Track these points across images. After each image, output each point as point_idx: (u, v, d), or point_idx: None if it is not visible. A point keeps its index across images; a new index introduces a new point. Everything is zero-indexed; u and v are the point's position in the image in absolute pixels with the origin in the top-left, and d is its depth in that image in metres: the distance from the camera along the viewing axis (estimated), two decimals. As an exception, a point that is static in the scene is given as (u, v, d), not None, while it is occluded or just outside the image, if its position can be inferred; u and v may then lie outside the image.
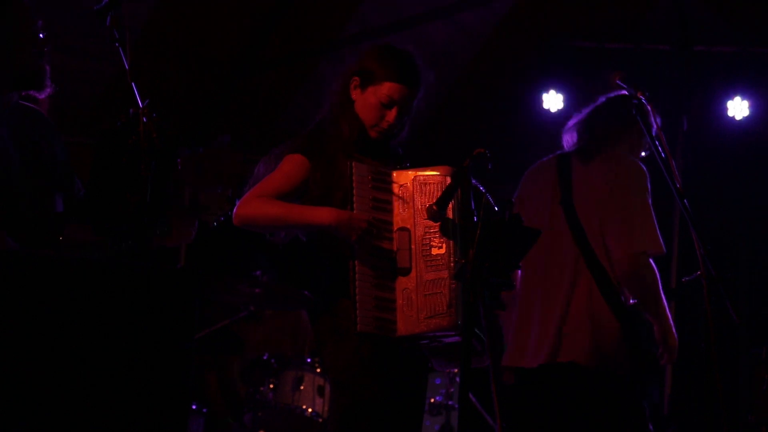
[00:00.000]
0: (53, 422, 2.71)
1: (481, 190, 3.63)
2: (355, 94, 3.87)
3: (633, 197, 4.60)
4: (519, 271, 4.68)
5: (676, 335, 4.58)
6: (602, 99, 4.91)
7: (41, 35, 3.65)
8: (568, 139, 4.89)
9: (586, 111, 4.87)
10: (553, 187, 4.75)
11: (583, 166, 4.70)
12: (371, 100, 3.83)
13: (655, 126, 4.38)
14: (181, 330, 2.89)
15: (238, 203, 3.73)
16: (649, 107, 4.30)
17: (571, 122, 4.86)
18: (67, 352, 2.76)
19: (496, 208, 3.63)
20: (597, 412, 4.58)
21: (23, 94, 3.74)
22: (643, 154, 4.79)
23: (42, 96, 3.74)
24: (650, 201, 4.62)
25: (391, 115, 3.82)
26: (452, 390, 6.14)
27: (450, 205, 3.61)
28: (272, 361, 5.77)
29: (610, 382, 4.54)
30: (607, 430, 4.58)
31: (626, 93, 4.63)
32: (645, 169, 4.67)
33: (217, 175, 4.08)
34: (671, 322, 4.59)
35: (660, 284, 4.51)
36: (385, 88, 3.82)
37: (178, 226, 3.61)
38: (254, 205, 3.76)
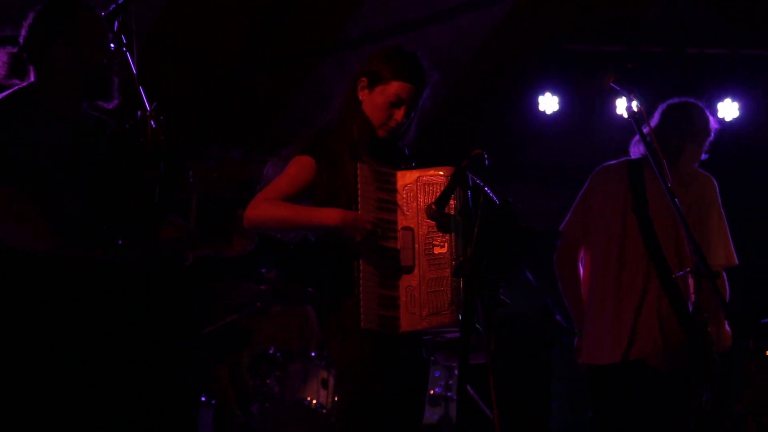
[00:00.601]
0: (57, 418, 2.71)
1: (480, 185, 3.65)
2: (363, 95, 3.87)
3: (712, 212, 4.75)
4: (590, 275, 4.92)
5: (731, 340, 4.72)
6: (664, 107, 5.01)
7: (112, 46, 3.67)
8: (635, 151, 4.94)
9: (653, 122, 4.92)
10: (624, 193, 4.84)
11: (655, 177, 4.70)
12: (379, 100, 3.84)
13: (647, 128, 4.46)
14: (181, 327, 2.90)
15: (247, 206, 3.73)
16: (642, 108, 4.36)
17: (637, 137, 4.87)
18: (70, 350, 2.76)
19: (498, 202, 3.66)
20: (663, 409, 4.72)
21: (91, 103, 3.76)
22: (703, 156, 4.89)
23: (110, 106, 3.76)
24: (723, 212, 4.81)
25: (399, 113, 3.84)
26: (451, 382, 6.16)
27: (451, 204, 3.63)
28: (278, 354, 5.79)
29: (676, 381, 4.68)
30: (672, 426, 4.71)
31: (685, 101, 4.80)
32: (715, 181, 4.82)
33: (227, 186, 4.11)
34: (728, 327, 4.69)
35: (723, 300, 4.49)
36: (393, 87, 3.83)
37: (238, 238, 3.64)
38: (262, 208, 3.76)
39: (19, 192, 3.47)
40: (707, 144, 4.94)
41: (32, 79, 3.69)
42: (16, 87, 3.68)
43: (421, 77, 3.87)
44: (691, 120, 4.92)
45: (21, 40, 3.70)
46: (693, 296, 4.50)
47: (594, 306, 4.85)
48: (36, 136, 3.56)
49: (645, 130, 4.40)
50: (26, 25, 3.70)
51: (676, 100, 5.03)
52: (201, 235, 3.79)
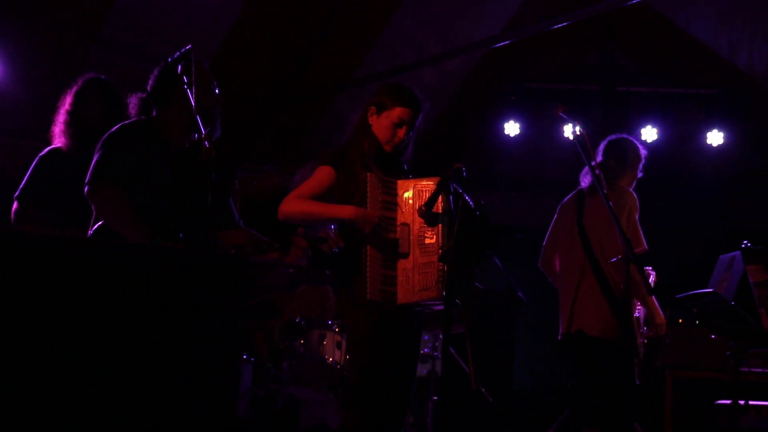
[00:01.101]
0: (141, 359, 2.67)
1: (460, 191, 3.66)
2: (372, 120, 3.86)
3: (622, 216, 4.71)
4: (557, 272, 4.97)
5: (662, 316, 4.68)
6: (605, 143, 5.00)
7: (216, 91, 3.73)
8: (585, 181, 4.97)
9: (598, 156, 4.93)
10: (574, 213, 4.90)
11: (591, 198, 4.83)
12: (385, 122, 3.83)
13: (591, 154, 4.50)
14: (231, 301, 2.88)
15: (282, 202, 3.73)
16: (583, 132, 4.37)
17: (586, 168, 4.88)
18: (161, 311, 2.71)
19: (473, 205, 3.67)
20: (599, 367, 4.73)
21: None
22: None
23: (214, 138, 3.75)
24: (636, 215, 4.76)
25: (402, 132, 3.83)
26: (437, 344, 6.15)
27: (438, 206, 3.64)
28: (303, 323, 5.77)
29: (607, 346, 4.69)
30: (607, 382, 4.71)
31: (622, 138, 4.82)
32: (633, 192, 4.82)
33: (264, 191, 4.12)
34: (657, 306, 4.69)
35: (645, 279, 4.54)
36: (396, 112, 3.82)
37: (296, 250, 3.66)
38: (294, 204, 3.76)
39: (123, 192, 3.53)
40: (641, 168, 4.96)
41: (153, 113, 3.74)
42: (143, 118, 3.74)
43: (417, 104, 3.87)
44: (627, 152, 4.93)
45: (148, 88, 3.76)
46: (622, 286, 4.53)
47: (560, 293, 4.91)
48: (148, 158, 3.61)
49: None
50: (152, 77, 3.75)
51: (614, 136, 5.03)
52: (264, 247, 3.80)
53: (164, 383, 2.71)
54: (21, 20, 5.91)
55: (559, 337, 4.87)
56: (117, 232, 3.49)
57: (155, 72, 3.75)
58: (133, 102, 3.82)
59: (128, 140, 3.60)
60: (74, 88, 4.38)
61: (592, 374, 4.79)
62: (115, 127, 3.67)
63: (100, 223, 3.58)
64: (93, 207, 3.61)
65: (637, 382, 4.74)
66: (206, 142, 3.65)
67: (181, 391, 2.75)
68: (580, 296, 4.76)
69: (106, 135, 3.64)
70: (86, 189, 3.56)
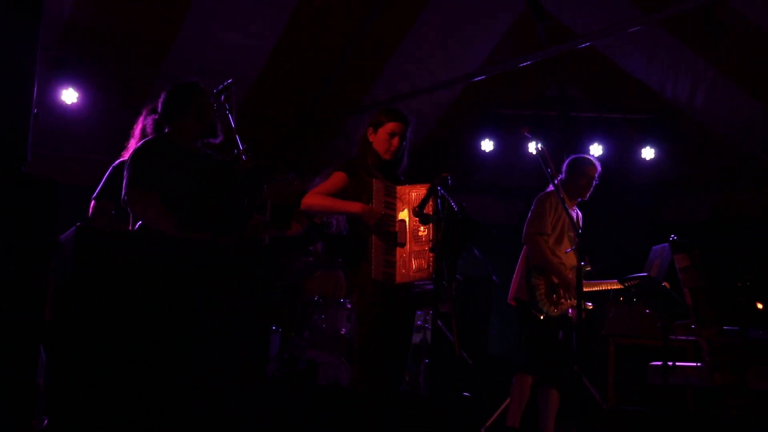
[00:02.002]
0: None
1: (446, 196, 3.65)
2: (372, 137, 3.86)
3: (532, 211, 4.74)
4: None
5: (571, 282, 4.64)
6: (568, 161, 4.94)
7: (215, 105, 3.69)
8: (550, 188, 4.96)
9: (562, 173, 4.89)
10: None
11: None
12: (382, 136, 3.83)
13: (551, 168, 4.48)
14: (264, 284, 2.88)
15: (304, 197, 3.73)
16: (544, 148, 4.35)
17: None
18: (208, 296, 2.71)
19: (456, 207, 3.66)
20: (526, 327, 4.72)
21: (204, 141, 3.74)
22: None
23: (217, 141, 3.75)
24: (544, 209, 4.72)
25: (395, 141, 3.83)
26: (428, 317, 6.13)
27: (429, 207, 3.63)
28: (320, 301, 5.76)
29: (519, 306, 4.73)
30: (522, 336, 4.73)
31: (582, 157, 4.77)
32: (544, 196, 4.78)
33: (287, 196, 4.10)
34: (564, 275, 4.64)
35: (545, 253, 4.60)
36: (389, 126, 3.83)
37: (295, 224, 3.65)
38: (314, 198, 3.76)
39: (156, 195, 3.50)
40: (596, 180, 4.90)
41: (166, 129, 3.71)
42: (161, 134, 3.70)
43: (404, 118, 3.87)
44: (584, 169, 4.89)
45: (159, 109, 3.73)
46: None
47: None
48: (169, 163, 3.58)
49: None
50: (161, 101, 3.72)
51: (573, 156, 5.00)
52: (271, 224, 3.79)
53: (243, 338, 2.74)
54: (95, 56, 5.92)
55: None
56: (156, 228, 3.44)
57: (162, 96, 3.72)
58: (149, 122, 3.78)
59: (152, 152, 3.57)
60: (147, 113, 4.36)
61: (520, 331, 4.82)
62: (139, 144, 3.64)
63: (140, 223, 3.55)
64: (132, 211, 3.56)
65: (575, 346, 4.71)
66: (243, 156, 3.65)
67: (251, 344, 2.77)
68: (518, 274, 4.83)
69: (133, 151, 3.60)
70: (124, 197, 3.52)
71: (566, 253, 4.70)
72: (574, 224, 4.26)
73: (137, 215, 3.54)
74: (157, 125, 3.74)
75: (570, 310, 4.66)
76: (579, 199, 4.87)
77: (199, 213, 3.57)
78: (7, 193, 2.40)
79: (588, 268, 4.19)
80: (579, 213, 4.90)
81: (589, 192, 4.87)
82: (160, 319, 2.66)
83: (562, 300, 4.63)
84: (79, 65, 5.85)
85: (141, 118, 4.21)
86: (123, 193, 3.52)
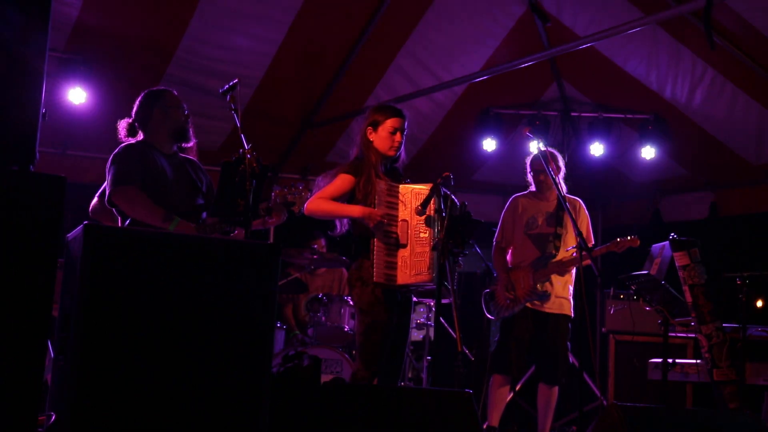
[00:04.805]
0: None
1: (449, 194, 3.64)
2: (372, 137, 3.85)
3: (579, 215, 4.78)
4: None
5: (504, 280, 4.72)
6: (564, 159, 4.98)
7: (186, 111, 3.71)
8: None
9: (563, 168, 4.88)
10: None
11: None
12: (383, 134, 3.82)
13: (556, 164, 4.47)
14: (270, 279, 2.86)
15: (307, 201, 3.70)
16: (545, 148, 4.35)
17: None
18: (213, 293, 2.69)
19: (458, 205, 3.65)
20: (545, 331, 4.74)
21: (179, 146, 3.77)
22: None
23: (189, 145, 3.79)
24: (502, 217, 4.91)
25: (398, 136, 3.82)
26: (430, 315, 6.13)
27: (431, 206, 3.62)
28: (324, 298, 5.76)
29: (554, 316, 4.70)
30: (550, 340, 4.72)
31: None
32: (512, 199, 4.90)
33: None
34: (503, 275, 4.74)
35: (498, 255, 4.81)
36: (389, 123, 3.81)
37: (276, 213, 3.63)
38: (317, 203, 3.75)
39: (141, 190, 3.51)
40: (532, 169, 4.90)
41: (141, 136, 3.74)
42: (139, 139, 3.73)
43: (401, 113, 3.86)
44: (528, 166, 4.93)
45: (132, 114, 3.77)
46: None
47: None
48: (149, 162, 3.60)
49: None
50: (135, 106, 3.76)
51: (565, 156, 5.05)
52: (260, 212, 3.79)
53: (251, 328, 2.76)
54: (102, 58, 5.93)
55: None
56: (144, 222, 3.46)
57: (137, 101, 3.76)
58: (122, 125, 3.81)
59: (132, 153, 3.61)
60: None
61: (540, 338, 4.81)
62: (119, 148, 3.66)
63: (128, 221, 3.54)
64: (119, 208, 3.55)
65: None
66: (248, 156, 3.63)
67: (258, 337, 2.76)
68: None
69: (113, 154, 3.63)
70: (108, 195, 3.54)
71: (566, 251, 4.68)
72: (555, 219, 4.29)
73: (125, 212, 3.55)
74: (130, 129, 3.77)
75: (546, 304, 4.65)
76: (553, 192, 4.78)
77: (183, 206, 3.60)
78: (16, 191, 2.39)
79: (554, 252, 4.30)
80: (579, 203, 4.86)
81: (544, 184, 4.80)
82: (170, 316, 2.64)
83: (509, 298, 4.67)
84: (86, 66, 5.86)
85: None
86: (108, 193, 3.55)
